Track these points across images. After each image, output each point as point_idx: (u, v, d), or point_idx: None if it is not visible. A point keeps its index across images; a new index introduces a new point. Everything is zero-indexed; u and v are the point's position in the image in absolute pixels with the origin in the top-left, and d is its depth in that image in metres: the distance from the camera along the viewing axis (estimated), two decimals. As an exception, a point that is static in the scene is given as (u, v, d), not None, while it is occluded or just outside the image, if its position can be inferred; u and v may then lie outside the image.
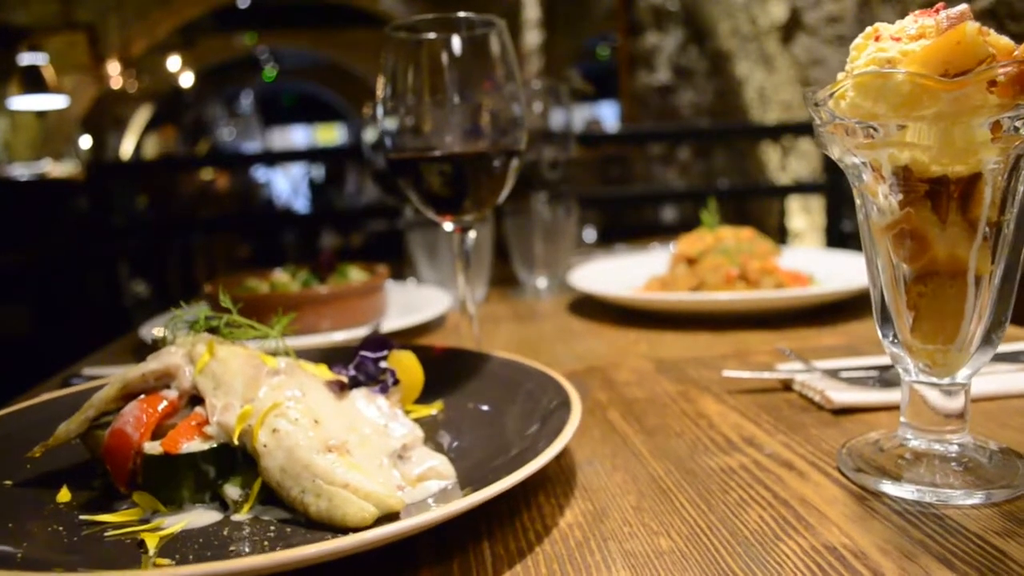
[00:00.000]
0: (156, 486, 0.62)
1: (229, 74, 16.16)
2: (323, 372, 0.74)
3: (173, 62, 12.89)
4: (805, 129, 3.80)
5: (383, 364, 0.71)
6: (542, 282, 1.68)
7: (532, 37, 7.35)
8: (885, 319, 0.65)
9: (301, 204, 12.68)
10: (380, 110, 0.92)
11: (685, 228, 4.32)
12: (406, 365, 0.74)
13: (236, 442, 0.62)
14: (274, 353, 0.72)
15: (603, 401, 0.90)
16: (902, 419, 0.67)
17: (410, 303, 1.46)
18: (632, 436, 0.78)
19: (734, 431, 0.77)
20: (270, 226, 5.71)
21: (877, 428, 0.76)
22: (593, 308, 1.44)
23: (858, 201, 0.64)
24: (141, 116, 14.36)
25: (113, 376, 0.71)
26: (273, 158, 5.11)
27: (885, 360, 0.94)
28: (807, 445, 0.73)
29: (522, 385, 0.80)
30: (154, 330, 1.28)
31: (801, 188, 3.76)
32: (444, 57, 0.91)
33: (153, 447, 0.63)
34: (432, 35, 0.91)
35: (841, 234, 3.33)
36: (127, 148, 13.76)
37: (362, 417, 0.66)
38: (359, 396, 0.68)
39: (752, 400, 0.87)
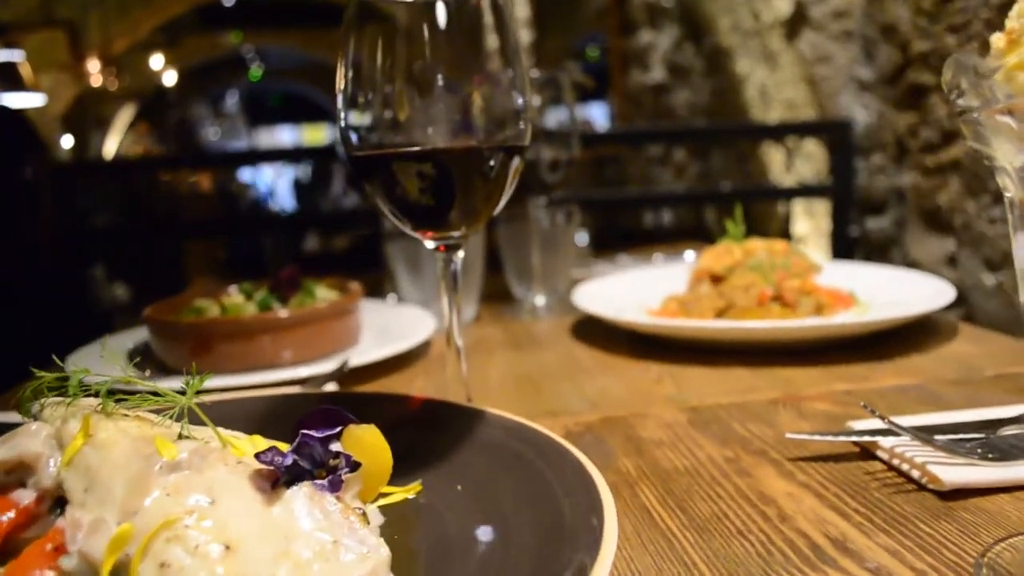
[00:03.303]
0: (-11, 644, 0.42)
1: (214, 73, 15.88)
2: (255, 448, 0.53)
3: (156, 61, 12.64)
4: (809, 129, 3.62)
5: (335, 446, 0.51)
6: (540, 299, 1.48)
7: (522, 36, 7.16)
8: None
9: (276, 205, 12.39)
10: (341, 99, 0.72)
11: (683, 233, 4.12)
12: (368, 445, 0.54)
13: (105, 583, 0.41)
14: (180, 429, 0.51)
15: (631, 472, 0.69)
16: (1073, 529, 0.47)
17: (388, 327, 1.25)
18: (679, 535, 0.57)
19: (816, 527, 0.57)
20: (241, 230, 5.46)
21: (1005, 522, 0.56)
22: (601, 332, 1.23)
23: (1014, 218, 0.45)
24: (124, 115, 14.07)
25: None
26: (251, 158, 4.88)
27: (984, 414, 0.74)
28: (923, 553, 0.53)
29: (527, 461, 0.59)
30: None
31: (806, 191, 3.59)
32: (425, 29, 0.71)
33: (-15, 585, 0.42)
34: (410, 0, 0.70)
35: (848, 240, 3.16)
36: (110, 148, 13.47)
37: (300, 532, 0.45)
38: (299, 496, 0.47)
39: (826, 473, 0.67)
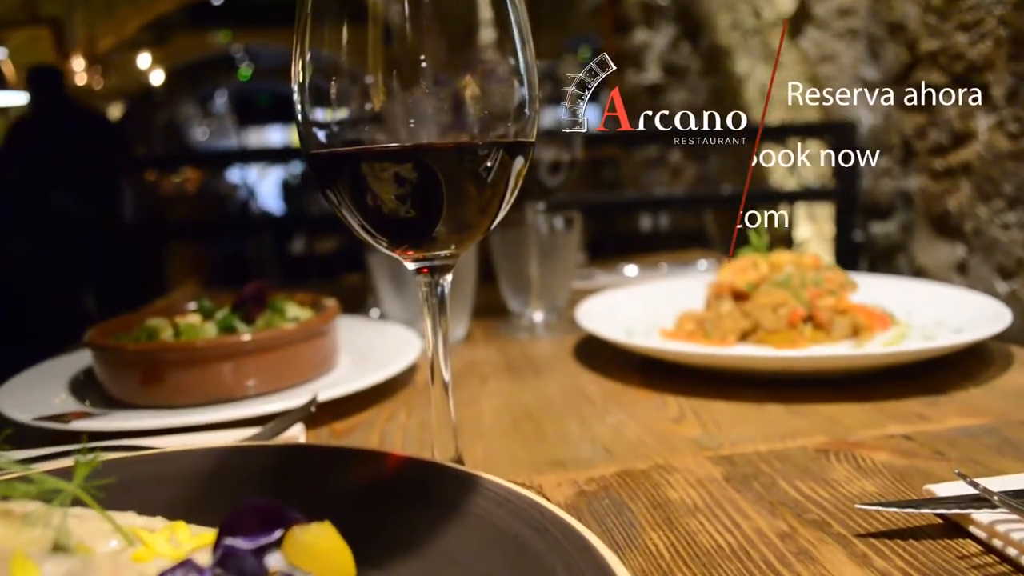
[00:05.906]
0: None
1: (203, 73, 15.70)
2: (174, 544, 0.39)
3: (143, 59, 12.47)
4: (812, 130, 3.50)
5: (273, 558, 0.37)
6: (538, 315, 1.34)
7: (515, 34, 7.02)
8: None
9: (258, 207, 12.13)
10: (298, 92, 0.57)
11: (683, 238, 3.98)
12: (320, 550, 0.39)
13: None
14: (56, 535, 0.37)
15: (663, 553, 0.55)
16: None
17: (369, 348, 1.10)
18: (736, 659, 0.44)
19: (916, 647, 0.43)
20: (224, 232, 5.30)
21: None
22: (608, 354, 1.10)
23: None
24: (111, 115, 13.88)
25: None
26: (240, 157, 4.73)
27: (1088, 473, 0.61)
28: None
29: (535, 555, 0.45)
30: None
31: (809, 195, 3.46)
32: (406, 4, 0.57)
33: None
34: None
35: (852, 245, 3.03)
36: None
37: None
38: (217, 637, 0.33)
39: (909, 556, 0.53)
